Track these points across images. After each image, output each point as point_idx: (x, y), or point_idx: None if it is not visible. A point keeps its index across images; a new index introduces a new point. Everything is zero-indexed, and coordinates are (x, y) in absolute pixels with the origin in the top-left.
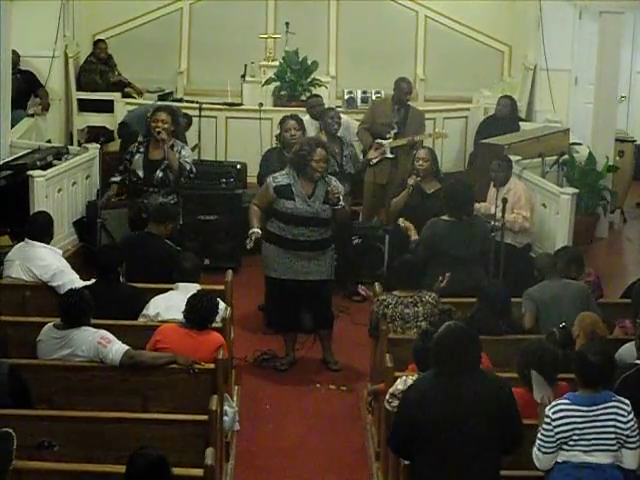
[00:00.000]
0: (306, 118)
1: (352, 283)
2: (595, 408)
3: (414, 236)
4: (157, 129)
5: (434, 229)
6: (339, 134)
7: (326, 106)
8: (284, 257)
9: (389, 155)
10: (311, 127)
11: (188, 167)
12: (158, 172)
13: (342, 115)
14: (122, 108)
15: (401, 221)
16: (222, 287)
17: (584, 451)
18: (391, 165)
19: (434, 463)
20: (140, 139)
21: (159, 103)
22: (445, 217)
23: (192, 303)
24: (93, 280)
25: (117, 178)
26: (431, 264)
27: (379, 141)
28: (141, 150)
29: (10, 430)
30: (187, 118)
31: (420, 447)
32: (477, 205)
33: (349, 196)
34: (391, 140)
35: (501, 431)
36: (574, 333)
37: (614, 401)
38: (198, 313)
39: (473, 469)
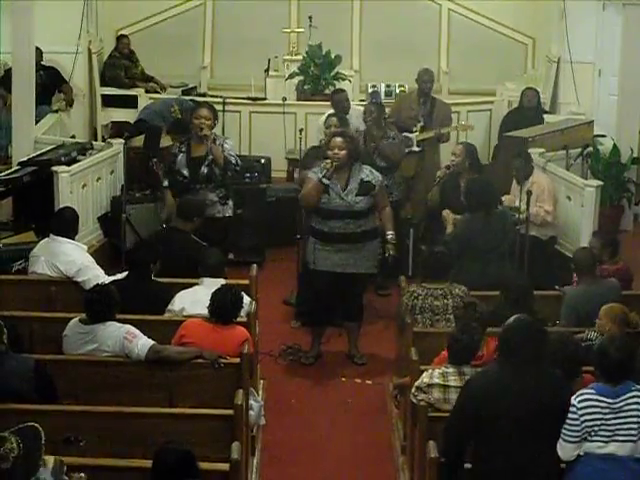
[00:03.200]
0: (354, 108)
1: (381, 277)
2: (618, 400)
3: (450, 228)
4: (200, 126)
5: (469, 225)
6: (361, 127)
7: (350, 100)
8: (322, 250)
9: (415, 148)
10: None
11: (234, 160)
12: (203, 168)
13: (358, 106)
14: (146, 103)
15: (446, 212)
16: (247, 281)
17: (606, 442)
18: (418, 158)
19: (495, 457)
20: (181, 139)
21: (175, 97)
22: (480, 213)
23: (217, 297)
24: (124, 274)
25: (166, 182)
26: (463, 258)
27: (406, 135)
28: (183, 149)
29: (37, 425)
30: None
31: (480, 441)
32: (503, 198)
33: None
34: (417, 133)
35: (560, 427)
36: (603, 327)
37: (635, 390)
38: (223, 307)
39: (535, 463)
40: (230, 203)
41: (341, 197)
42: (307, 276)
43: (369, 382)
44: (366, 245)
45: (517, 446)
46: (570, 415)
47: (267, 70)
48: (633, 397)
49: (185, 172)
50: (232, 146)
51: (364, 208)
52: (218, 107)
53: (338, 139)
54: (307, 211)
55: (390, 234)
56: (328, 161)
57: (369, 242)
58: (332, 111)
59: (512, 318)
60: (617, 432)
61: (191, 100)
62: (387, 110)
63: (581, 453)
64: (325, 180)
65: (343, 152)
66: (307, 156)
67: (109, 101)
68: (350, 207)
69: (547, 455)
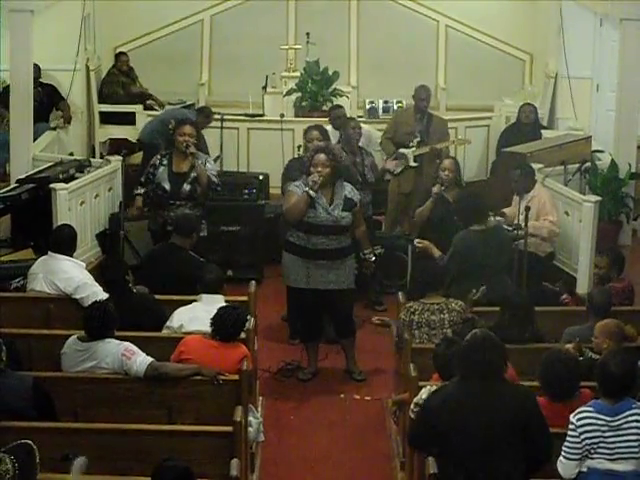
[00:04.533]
0: (329, 128)
1: (376, 293)
2: (617, 418)
3: (436, 253)
4: (184, 143)
5: (467, 241)
6: (359, 144)
7: (348, 116)
8: (303, 267)
9: (412, 164)
10: (333, 137)
11: (215, 180)
12: (185, 185)
13: (363, 125)
14: (144, 120)
15: (417, 242)
16: (245, 298)
17: (607, 459)
18: (415, 174)
19: (455, 472)
20: (162, 152)
21: (172, 108)
22: (475, 227)
23: (222, 316)
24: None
25: (140, 190)
26: (463, 275)
27: (402, 150)
28: (164, 163)
29: (30, 442)
30: (205, 113)
31: (441, 455)
32: (506, 210)
33: (370, 205)
34: (414, 149)
35: (527, 441)
36: (600, 345)
37: (635, 408)
38: (227, 326)
39: (497, 477)
40: (205, 223)
41: (328, 212)
42: (290, 294)
43: (368, 398)
44: (344, 261)
45: (476, 462)
46: (570, 433)
47: (265, 87)
48: (633, 415)
49: (166, 186)
50: (214, 166)
51: (349, 224)
52: (216, 124)
53: (322, 156)
54: (286, 226)
55: (368, 252)
56: (315, 175)
57: (347, 258)
58: (314, 124)
59: (469, 335)
60: (617, 450)
61: (200, 108)
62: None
63: (585, 469)
64: (312, 193)
65: (327, 170)
66: (289, 168)
67: (107, 118)
68: (337, 222)
69: (507, 470)
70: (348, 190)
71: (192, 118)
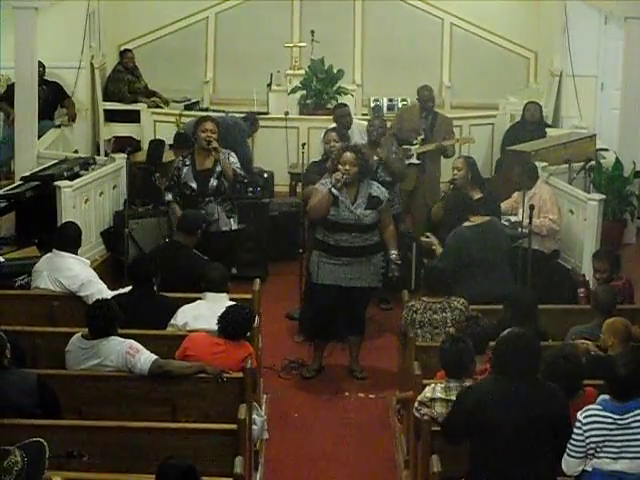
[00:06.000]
0: (356, 123)
1: (383, 291)
2: (626, 416)
3: (439, 250)
4: (207, 139)
5: (459, 238)
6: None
7: (353, 114)
8: (327, 263)
9: (416, 161)
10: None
11: (242, 173)
12: (212, 181)
13: (361, 121)
14: (149, 118)
15: (425, 236)
16: (250, 296)
17: (613, 458)
18: (418, 171)
19: (489, 468)
20: (184, 153)
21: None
22: (468, 223)
23: (230, 315)
24: (128, 288)
25: (170, 196)
26: (462, 272)
27: (407, 147)
28: (187, 163)
29: (42, 440)
30: (252, 120)
31: (474, 453)
32: (502, 205)
33: (392, 202)
34: (417, 146)
35: (557, 439)
36: (606, 342)
37: None
38: (234, 325)
39: (529, 475)
40: (235, 216)
41: (350, 210)
42: (311, 289)
43: (372, 396)
44: (370, 259)
45: (511, 458)
46: (575, 430)
47: (269, 84)
48: None
49: (193, 185)
50: (237, 160)
51: (372, 222)
52: None
53: (350, 155)
54: (313, 223)
55: (394, 254)
56: (339, 173)
57: (373, 256)
58: (333, 126)
59: (505, 331)
60: (625, 449)
61: (246, 117)
62: (388, 124)
63: (589, 469)
64: (335, 191)
65: (355, 169)
66: (308, 172)
67: (112, 116)
68: (359, 220)
69: (541, 467)
70: (374, 188)
71: (230, 123)
